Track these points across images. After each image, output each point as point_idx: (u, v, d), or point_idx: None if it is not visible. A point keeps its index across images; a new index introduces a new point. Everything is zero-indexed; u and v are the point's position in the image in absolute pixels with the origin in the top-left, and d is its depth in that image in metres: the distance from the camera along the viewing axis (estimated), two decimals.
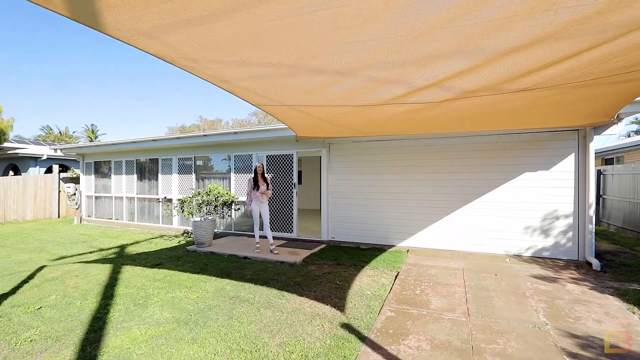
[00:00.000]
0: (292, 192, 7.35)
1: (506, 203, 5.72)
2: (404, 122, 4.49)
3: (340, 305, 3.70)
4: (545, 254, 5.48)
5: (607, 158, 13.37)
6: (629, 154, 12.02)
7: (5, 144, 15.08)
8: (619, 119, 4.72)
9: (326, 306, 3.68)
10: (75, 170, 14.07)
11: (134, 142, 8.94)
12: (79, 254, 6.48)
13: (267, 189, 6.07)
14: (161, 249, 6.76)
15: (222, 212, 7.03)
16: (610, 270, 4.80)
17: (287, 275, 4.81)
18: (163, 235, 8.39)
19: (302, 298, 3.92)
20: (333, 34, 2.08)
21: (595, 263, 4.85)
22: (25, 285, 4.55)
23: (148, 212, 9.59)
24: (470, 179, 5.96)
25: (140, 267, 5.36)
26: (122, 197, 10.07)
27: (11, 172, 16.36)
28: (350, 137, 6.69)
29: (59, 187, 12.18)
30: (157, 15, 1.80)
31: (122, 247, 7.06)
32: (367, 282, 4.49)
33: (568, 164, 5.37)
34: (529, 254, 5.58)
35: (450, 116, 3.98)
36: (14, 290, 4.34)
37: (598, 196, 9.16)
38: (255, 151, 7.78)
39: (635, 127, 25.66)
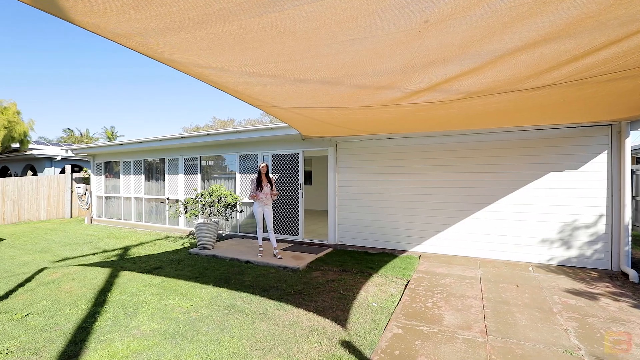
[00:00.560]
0: (298, 193, 7.05)
1: (529, 206, 5.23)
2: (415, 121, 4.11)
3: (342, 319, 3.36)
4: (573, 262, 4.97)
5: (638, 157, 12.44)
6: None
7: (29, 146, 15.47)
8: None
9: (326, 320, 3.35)
10: (87, 170, 14.27)
11: (140, 142, 8.87)
12: (82, 256, 6.39)
13: (272, 189, 5.79)
14: (164, 252, 6.59)
15: (226, 213, 6.80)
16: None
17: (288, 283, 4.51)
18: (169, 237, 8.27)
19: (301, 309, 3.60)
20: (322, 31, 1.76)
21: (633, 274, 4.31)
22: (20, 289, 4.43)
23: (156, 213, 9.52)
24: (489, 179, 5.50)
25: (139, 271, 5.18)
26: (131, 198, 10.04)
27: (30, 172, 16.82)
28: (358, 136, 6.33)
29: (71, 188, 12.34)
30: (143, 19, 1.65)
31: (126, 249, 6.95)
32: (374, 291, 4.14)
33: (599, 162, 4.84)
34: (554, 262, 5.07)
35: (466, 115, 3.58)
36: (7, 295, 4.22)
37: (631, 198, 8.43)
38: (261, 150, 7.53)
39: None
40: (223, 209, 6.70)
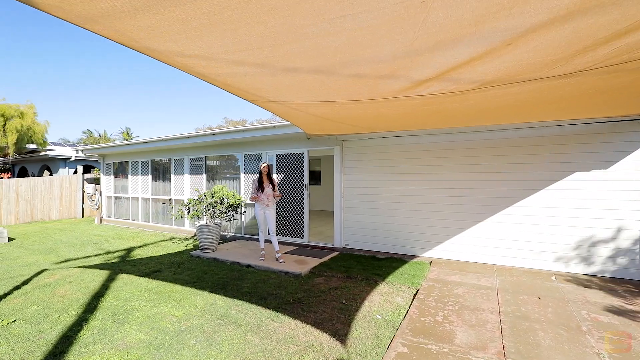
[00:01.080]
0: (303, 194, 6.78)
1: (551, 209, 4.79)
2: (423, 116, 3.76)
3: (342, 334, 3.06)
4: (604, 272, 4.50)
5: None
6: None
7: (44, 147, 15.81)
8: None
9: (325, 334, 3.06)
10: (99, 170, 14.44)
11: (146, 142, 8.80)
12: (85, 257, 6.32)
13: (274, 190, 5.54)
14: (166, 254, 6.45)
15: (228, 215, 6.60)
16: None
17: (288, 290, 4.24)
18: (174, 238, 8.15)
19: (299, 321, 3.33)
20: (305, 6, 1.48)
21: None
22: (15, 292, 4.33)
23: (162, 214, 9.45)
24: (506, 180, 5.07)
25: (137, 274, 5.03)
26: (138, 198, 10.02)
27: (47, 172, 17.21)
28: (364, 134, 6.00)
29: (82, 188, 12.48)
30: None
31: (129, 250, 6.85)
32: (379, 302, 3.82)
33: (634, 161, 4.36)
34: (581, 270, 4.61)
35: (481, 109, 3.20)
36: (1, 298, 4.12)
37: None
38: (265, 150, 7.30)
39: None
40: (226, 210, 6.50)
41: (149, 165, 9.65)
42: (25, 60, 55.86)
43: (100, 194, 11.16)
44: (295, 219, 6.91)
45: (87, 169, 16.66)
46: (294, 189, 6.92)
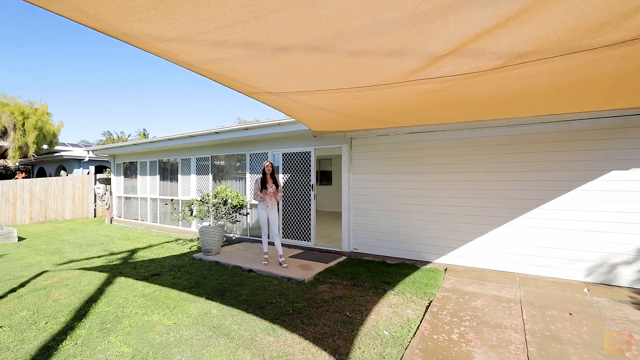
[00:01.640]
0: (310, 195, 6.46)
1: (582, 212, 4.29)
2: (436, 108, 3.37)
3: (343, 352, 2.72)
4: None
5: None
6: None
7: (56, 147, 16.16)
8: None
9: (324, 352, 2.73)
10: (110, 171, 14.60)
11: (152, 142, 8.72)
12: (88, 258, 6.22)
13: (277, 191, 5.26)
14: (168, 256, 6.27)
15: (232, 216, 6.37)
16: None
17: (288, 298, 3.93)
18: (179, 239, 8.01)
19: (296, 335, 3.01)
20: None
21: None
22: (10, 296, 4.20)
23: (170, 214, 9.34)
24: (530, 180, 4.60)
25: (135, 278, 4.84)
26: (147, 199, 9.97)
27: (63, 173, 17.59)
28: (373, 130, 5.64)
29: (94, 188, 12.59)
30: None
31: (133, 252, 6.72)
32: (387, 314, 3.45)
33: None
34: (619, 282, 4.10)
35: (504, 95, 2.79)
36: None
37: None
38: (271, 149, 7.04)
39: None
40: (229, 211, 6.27)
41: (157, 165, 9.58)
42: (43, 62, 57.91)
43: (111, 194, 11.20)
44: (301, 221, 6.61)
45: (101, 169, 16.92)
46: (300, 190, 6.61)
